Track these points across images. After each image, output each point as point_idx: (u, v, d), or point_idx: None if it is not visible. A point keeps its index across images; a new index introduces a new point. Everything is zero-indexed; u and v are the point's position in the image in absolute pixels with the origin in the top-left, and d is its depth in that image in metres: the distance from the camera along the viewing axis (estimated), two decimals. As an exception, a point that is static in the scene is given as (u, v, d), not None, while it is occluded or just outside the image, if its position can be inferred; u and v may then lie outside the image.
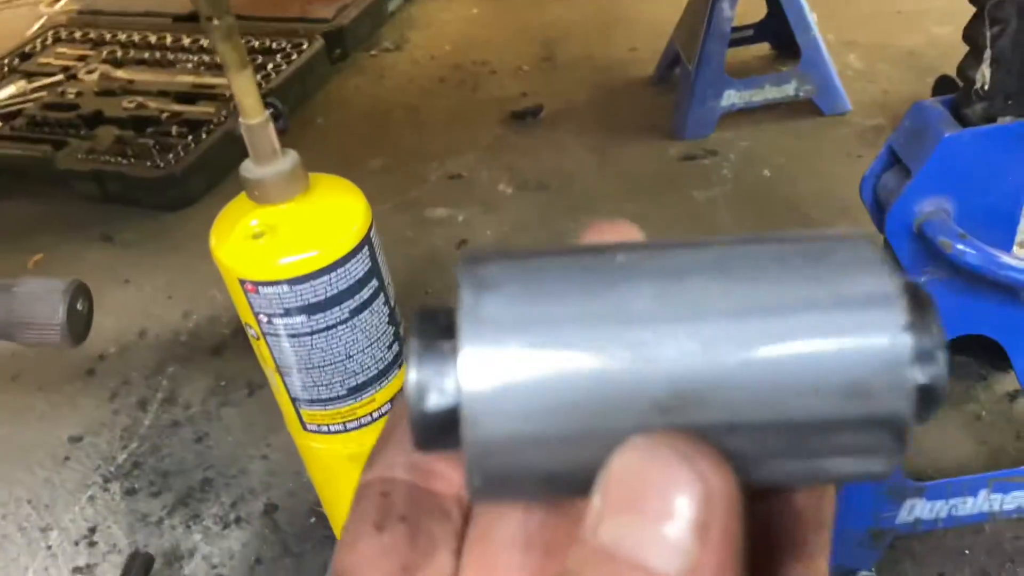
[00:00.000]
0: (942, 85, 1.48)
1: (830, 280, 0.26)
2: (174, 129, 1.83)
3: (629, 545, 0.23)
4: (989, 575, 0.97)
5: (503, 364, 0.24)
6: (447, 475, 0.33)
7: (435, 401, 0.25)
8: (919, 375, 0.25)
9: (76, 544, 1.15)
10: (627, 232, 0.31)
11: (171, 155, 1.75)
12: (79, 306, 0.81)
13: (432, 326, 0.26)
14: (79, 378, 1.39)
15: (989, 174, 0.85)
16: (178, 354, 1.42)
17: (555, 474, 0.25)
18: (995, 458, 1.09)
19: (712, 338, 0.25)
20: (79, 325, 0.80)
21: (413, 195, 1.71)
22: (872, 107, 1.73)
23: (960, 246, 0.85)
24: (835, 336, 0.25)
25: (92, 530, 1.16)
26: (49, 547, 1.15)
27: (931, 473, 1.03)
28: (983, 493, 0.99)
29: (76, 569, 1.12)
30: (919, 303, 0.26)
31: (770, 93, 1.73)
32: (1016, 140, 0.85)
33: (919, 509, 0.98)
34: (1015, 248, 0.93)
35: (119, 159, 1.76)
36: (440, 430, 0.25)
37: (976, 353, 1.20)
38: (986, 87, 0.84)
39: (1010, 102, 0.84)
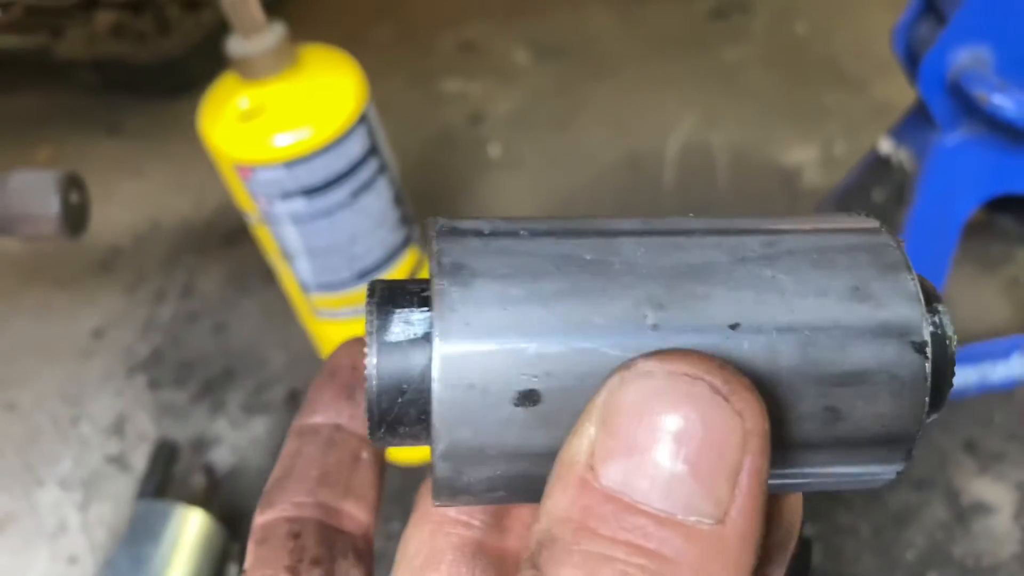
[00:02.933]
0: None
1: (827, 231, 0.25)
2: (173, 9, 1.76)
3: (646, 490, 0.20)
4: (1020, 441, 0.95)
5: (478, 265, 0.22)
6: (355, 515, 0.30)
7: (400, 332, 0.23)
8: (918, 286, 0.24)
9: (106, 434, 1.17)
10: None
11: (172, 37, 1.69)
12: (73, 197, 0.78)
13: (394, 287, 0.24)
14: (96, 272, 1.39)
15: (1033, 16, 0.78)
16: (192, 244, 1.40)
17: (532, 390, 0.22)
18: (1031, 322, 1.05)
19: (701, 244, 0.24)
20: (75, 216, 0.78)
21: (424, 67, 1.64)
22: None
23: (998, 99, 0.79)
24: (830, 248, 0.24)
25: (120, 420, 1.18)
26: (80, 437, 1.17)
27: (964, 338, 1.00)
28: (1016, 356, 0.96)
29: (108, 457, 1.14)
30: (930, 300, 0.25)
31: (803, -61, 1.61)
32: (1067, -25, 0.77)
33: (949, 376, 0.96)
34: (1061, 98, 0.86)
35: (119, 45, 1.70)
36: (404, 372, 0.23)
37: (1014, 213, 1.14)
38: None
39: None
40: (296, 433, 0.32)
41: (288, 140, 0.77)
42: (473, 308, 0.22)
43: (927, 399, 0.24)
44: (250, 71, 0.78)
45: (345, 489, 0.31)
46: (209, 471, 1.06)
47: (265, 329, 1.26)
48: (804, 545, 0.91)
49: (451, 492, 0.23)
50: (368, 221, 0.83)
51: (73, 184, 0.77)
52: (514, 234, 0.24)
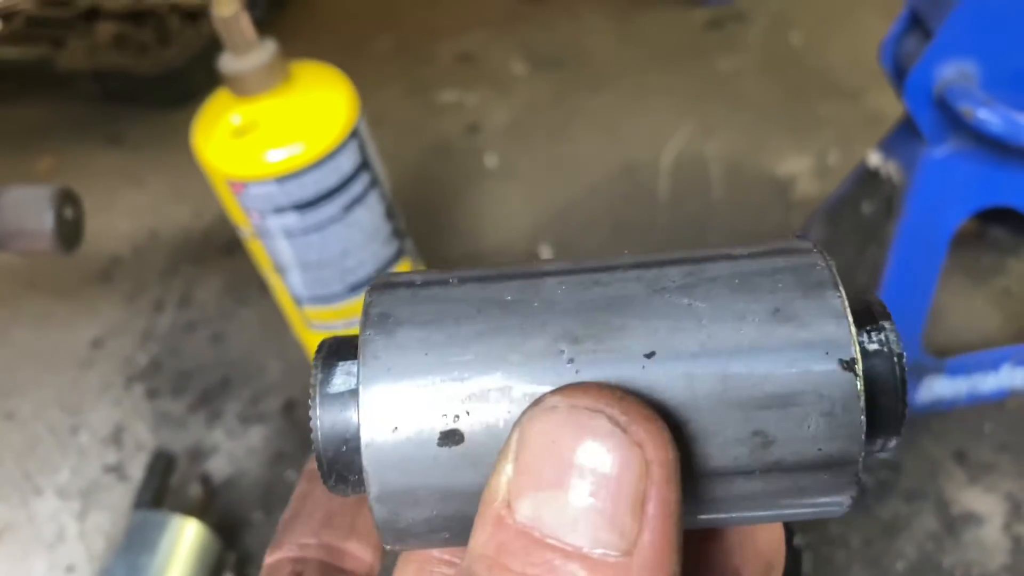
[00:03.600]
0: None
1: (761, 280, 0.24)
2: (174, 21, 1.78)
3: (554, 525, 0.20)
4: (1010, 451, 0.96)
5: (402, 316, 0.23)
6: (358, 555, 0.31)
7: (340, 383, 0.24)
8: (844, 300, 0.23)
9: (104, 444, 1.18)
10: None
11: (172, 48, 1.71)
12: (67, 213, 0.79)
13: (335, 359, 0.25)
14: (96, 282, 1.40)
15: (1017, 32, 0.78)
16: (191, 255, 1.41)
17: (454, 430, 0.22)
18: (1023, 333, 1.05)
19: (622, 278, 0.23)
20: (70, 232, 0.79)
21: (421, 78, 1.65)
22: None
23: (984, 113, 0.80)
24: (750, 272, 0.23)
25: (118, 430, 1.19)
26: (79, 446, 1.18)
27: (955, 349, 1.00)
28: (1006, 367, 0.97)
29: (106, 467, 1.15)
30: (872, 317, 0.24)
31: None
32: (1050, -8, 0.78)
33: (939, 386, 0.96)
34: (1045, 112, 0.87)
35: (119, 56, 1.71)
36: (343, 419, 0.23)
37: (1008, 224, 1.14)
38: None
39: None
40: (306, 476, 0.33)
41: (280, 156, 0.78)
42: (395, 354, 0.23)
43: (862, 419, 0.23)
44: (242, 88, 0.79)
45: (349, 529, 0.31)
46: (206, 481, 1.07)
47: (262, 339, 1.26)
48: (794, 555, 0.91)
49: (395, 535, 0.23)
50: (360, 235, 0.84)
51: (68, 199, 0.78)
52: (444, 283, 0.24)
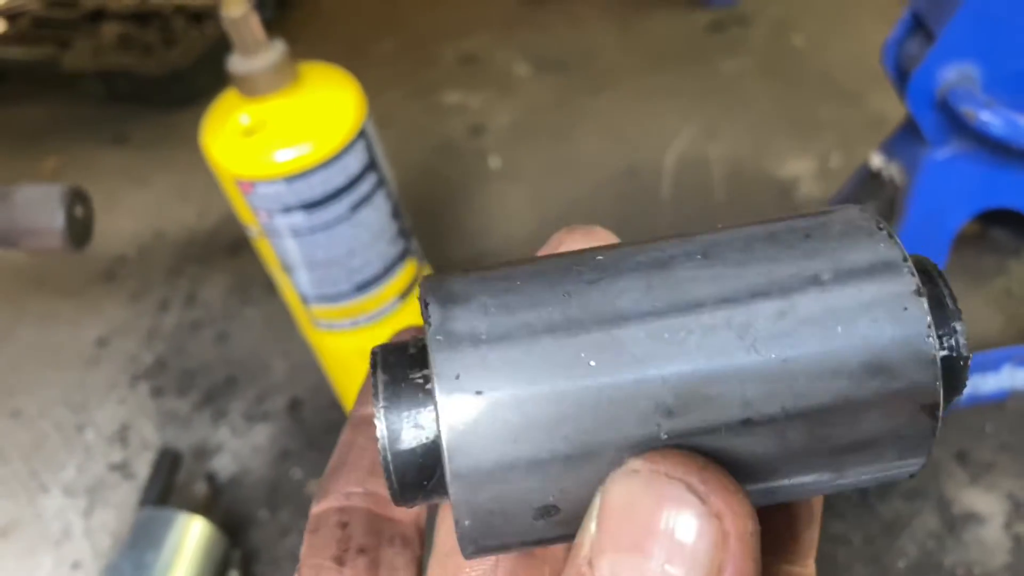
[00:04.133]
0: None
1: (829, 253, 0.23)
2: (179, 21, 1.79)
3: None
4: (1011, 451, 0.96)
5: (483, 384, 0.22)
6: None
7: (412, 437, 0.23)
8: (938, 347, 0.22)
9: (110, 442, 1.18)
10: (603, 237, 0.28)
11: (177, 49, 1.71)
12: (78, 211, 0.80)
13: (398, 360, 0.23)
14: (101, 282, 1.41)
15: (1019, 34, 0.79)
16: (196, 254, 1.42)
17: (550, 505, 0.22)
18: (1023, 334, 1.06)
19: (711, 327, 0.22)
20: (79, 230, 0.80)
21: (425, 80, 1.66)
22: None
23: (986, 116, 0.80)
24: (844, 311, 0.23)
25: (124, 428, 1.20)
26: (85, 444, 1.19)
27: (955, 350, 1.01)
28: (1006, 368, 0.97)
29: (112, 465, 1.16)
30: (927, 273, 0.24)
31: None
32: (1052, -5, 0.79)
33: (940, 387, 0.97)
34: (1047, 115, 0.87)
35: (125, 57, 1.72)
36: (420, 471, 0.23)
37: (1009, 226, 1.15)
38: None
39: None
40: (352, 424, 0.33)
41: (288, 156, 0.78)
42: (478, 434, 0.22)
43: (924, 459, 0.23)
44: (251, 88, 0.80)
45: None
46: (211, 479, 1.08)
47: (267, 338, 1.27)
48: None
49: (475, 549, 0.24)
50: (367, 234, 0.85)
51: (77, 198, 0.79)
52: (514, 337, 0.23)
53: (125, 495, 1.11)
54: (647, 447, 0.22)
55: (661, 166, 1.39)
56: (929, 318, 0.22)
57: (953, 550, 0.90)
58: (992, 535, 0.91)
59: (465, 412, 0.22)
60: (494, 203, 1.40)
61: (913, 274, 0.23)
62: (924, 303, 0.23)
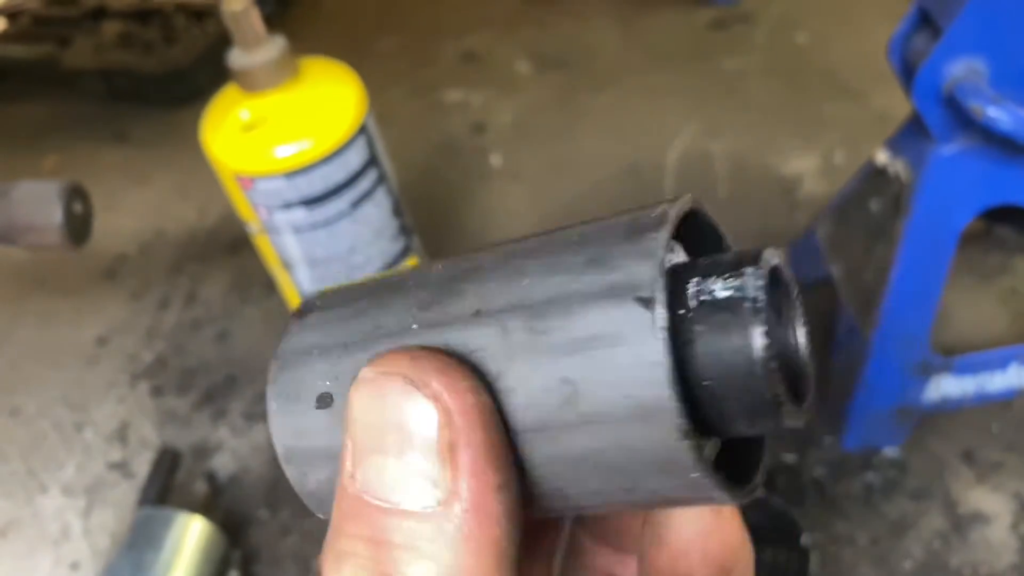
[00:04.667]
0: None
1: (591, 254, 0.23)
2: (180, 19, 1.78)
3: (378, 487, 0.21)
4: (1018, 451, 0.96)
5: (305, 321, 0.27)
6: None
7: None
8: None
9: (109, 441, 1.18)
10: None
11: (178, 47, 1.71)
12: (76, 207, 0.79)
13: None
14: (101, 280, 1.40)
15: (1028, 28, 0.78)
16: (196, 253, 1.41)
17: (326, 393, 0.25)
18: (1030, 332, 1.05)
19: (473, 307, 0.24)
20: (78, 226, 0.79)
21: (426, 77, 1.65)
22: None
23: (993, 111, 0.79)
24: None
25: (123, 427, 1.19)
26: (84, 443, 1.18)
27: (962, 348, 1.00)
28: (1013, 366, 0.96)
29: (111, 464, 1.15)
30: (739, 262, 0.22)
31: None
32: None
33: (946, 385, 0.96)
34: (1056, 111, 0.87)
35: (125, 55, 1.72)
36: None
37: (1015, 223, 1.14)
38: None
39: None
40: None
41: (288, 151, 0.78)
42: (300, 333, 0.27)
43: (663, 359, 0.20)
44: (251, 83, 0.79)
45: None
46: (211, 478, 1.07)
47: (267, 337, 1.26)
48: (802, 554, 0.91)
49: (310, 498, 0.27)
50: (367, 231, 0.84)
51: (76, 194, 0.79)
52: (361, 284, 0.28)
53: (124, 494, 1.10)
54: (404, 344, 0.24)
55: (663, 164, 1.38)
56: (666, 222, 0.22)
57: (959, 550, 0.89)
58: (999, 535, 0.90)
59: (297, 319, 0.28)
60: (496, 201, 1.40)
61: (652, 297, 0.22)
62: (664, 213, 0.23)
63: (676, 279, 0.22)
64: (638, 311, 0.21)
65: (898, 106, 0.91)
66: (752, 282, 0.21)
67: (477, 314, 0.23)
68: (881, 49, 0.87)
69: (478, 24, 1.73)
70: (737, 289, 0.21)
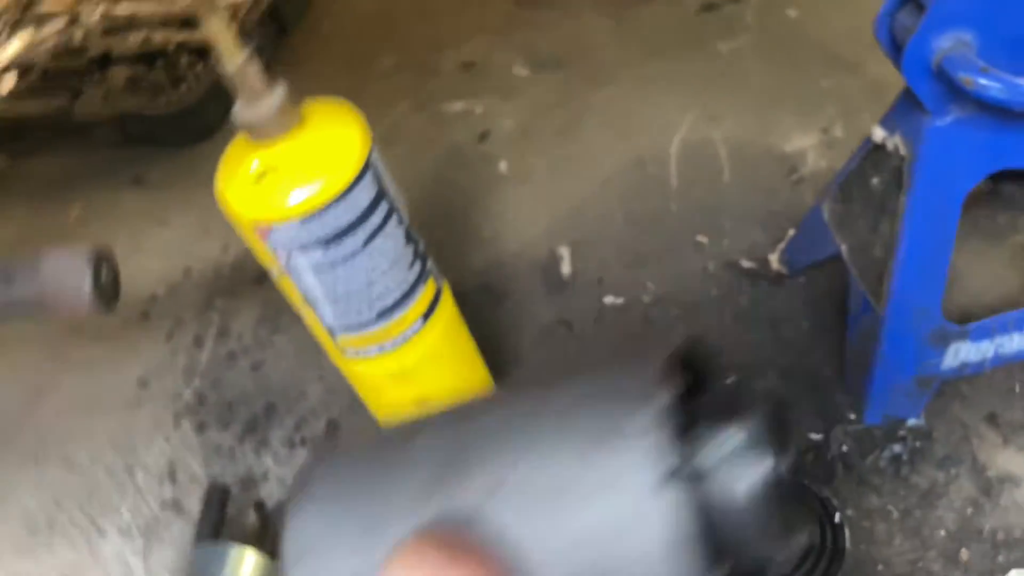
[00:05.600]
0: None
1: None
2: (183, 58, 1.81)
3: None
4: (1041, 408, 0.97)
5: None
6: None
7: None
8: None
9: (159, 480, 1.22)
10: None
11: (184, 86, 1.74)
12: (105, 274, 0.83)
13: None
14: (135, 323, 1.44)
15: None
16: (224, 288, 1.45)
17: None
18: (1044, 288, 1.06)
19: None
20: (107, 292, 0.82)
21: (428, 91, 1.68)
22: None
23: (983, 80, 0.80)
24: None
25: (172, 466, 1.23)
26: (136, 485, 1.23)
27: (976, 312, 1.01)
28: (1030, 327, 0.97)
29: (164, 503, 1.19)
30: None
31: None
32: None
33: (964, 352, 0.97)
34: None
35: (135, 98, 1.76)
36: None
37: (1020, 180, 1.15)
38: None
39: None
40: None
41: (300, 196, 0.80)
42: (310, 514, 0.36)
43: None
44: (258, 134, 0.82)
45: None
46: (260, 507, 1.11)
47: (300, 364, 1.30)
48: (837, 529, 0.93)
49: None
50: (384, 263, 0.87)
51: (103, 260, 0.82)
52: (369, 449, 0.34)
53: (179, 531, 1.14)
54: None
55: (667, 154, 1.39)
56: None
57: (991, 514, 0.91)
58: (1030, 494, 0.91)
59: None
60: (507, 207, 1.42)
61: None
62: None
63: (681, 433, 0.26)
64: (652, 501, 0.24)
65: (894, 75, 0.92)
66: (752, 437, 0.25)
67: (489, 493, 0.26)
68: (872, 19, 0.88)
69: (473, 32, 1.75)
70: (738, 454, 0.25)
